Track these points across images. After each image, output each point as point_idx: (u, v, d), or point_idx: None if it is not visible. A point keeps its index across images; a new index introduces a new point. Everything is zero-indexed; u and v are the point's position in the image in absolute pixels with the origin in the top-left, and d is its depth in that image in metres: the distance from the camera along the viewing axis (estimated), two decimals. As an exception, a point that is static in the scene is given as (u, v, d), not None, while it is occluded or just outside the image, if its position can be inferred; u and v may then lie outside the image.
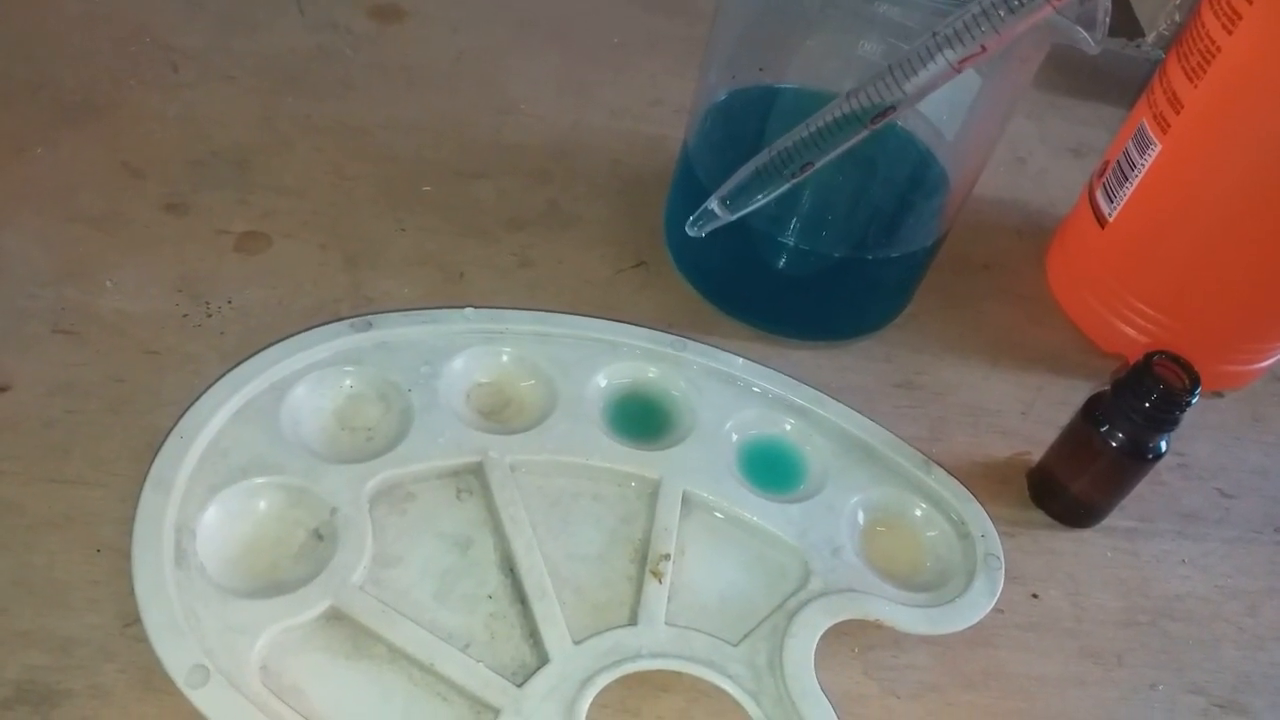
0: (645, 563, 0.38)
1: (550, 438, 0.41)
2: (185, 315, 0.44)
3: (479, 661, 0.34)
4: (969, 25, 0.35)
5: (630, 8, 0.67)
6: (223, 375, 0.40)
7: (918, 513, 0.42)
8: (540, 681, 0.34)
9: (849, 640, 0.39)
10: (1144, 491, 0.45)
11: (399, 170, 0.52)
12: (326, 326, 0.42)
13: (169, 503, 0.35)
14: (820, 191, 0.46)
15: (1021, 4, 0.34)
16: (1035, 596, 0.42)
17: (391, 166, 0.53)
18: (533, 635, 0.36)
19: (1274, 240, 0.46)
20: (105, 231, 0.46)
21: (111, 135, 0.50)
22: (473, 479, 0.40)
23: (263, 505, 0.37)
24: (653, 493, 0.40)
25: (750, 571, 0.39)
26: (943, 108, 0.46)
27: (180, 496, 0.36)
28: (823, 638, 0.37)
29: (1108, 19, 0.36)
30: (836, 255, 0.47)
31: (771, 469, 0.43)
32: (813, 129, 0.38)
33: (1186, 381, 0.40)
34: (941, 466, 0.43)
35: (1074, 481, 0.44)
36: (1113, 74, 0.69)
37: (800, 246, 0.46)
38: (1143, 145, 0.48)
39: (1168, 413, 0.40)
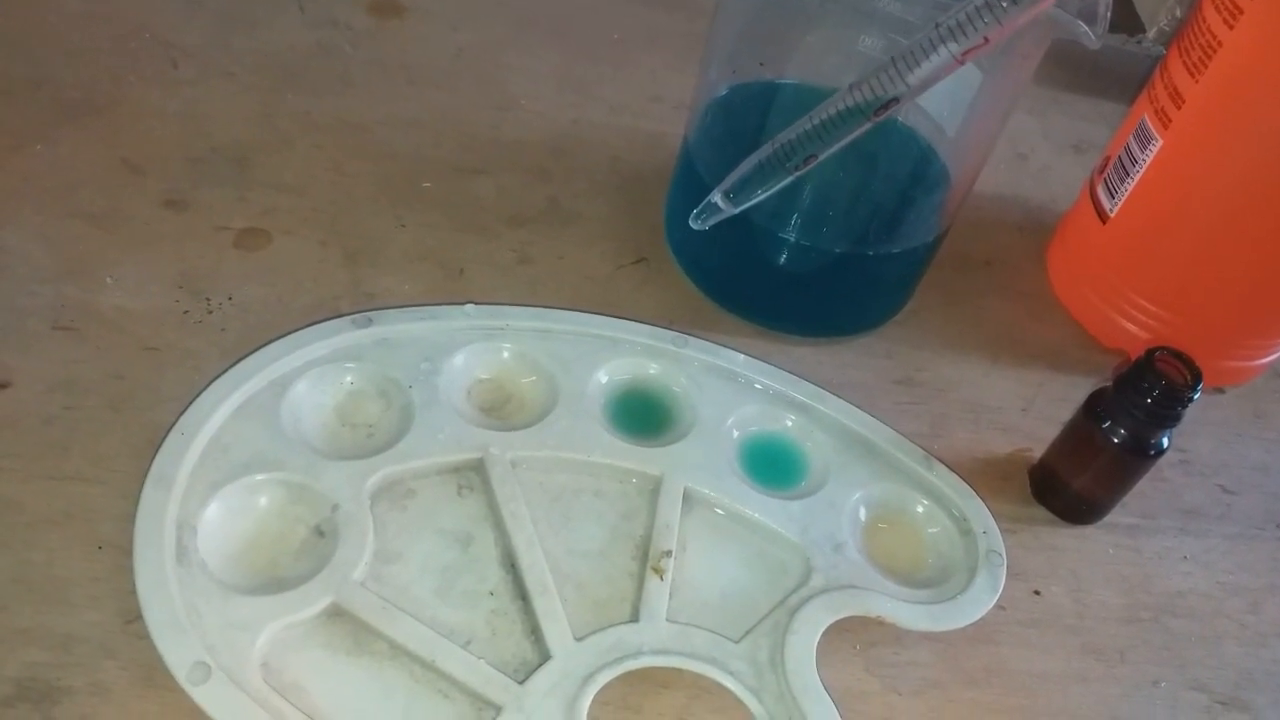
0: (646, 559, 0.38)
1: (551, 434, 0.41)
2: (185, 312, 0.44)
3: (480, 658, 0.34)
4: (972, 17, 0.35)
5: (630, 3, 0.67)
6: (223, 372, 0.40)
7: (919, 509, 0.42)
8: (541, 678, 0.34)
9: (850, 637, 0.38)
10: (1145, 488, 0.45)
11: (399, 167, 0.52)
12: (327, 323, 0.42)
13: (170, 499, 0.35)
14: (821, 187, 0.46)
15: (1024, -5, 0.34)
16: (1037, 593, 0.42)
17: (391, 163, 0.52)
18: (534, 632, 0.36)
19: (1276, 235, 0.46)
20: (105, 228, 0.46)
21: (111, 132, 0.50)
22: (474, 475, 0.40)
23: (264, 502, 0.37)
24: (654, 489, 0.40)
25: (751, 568, 0.39)
26: (944, 103, 0.46)
27: (181, 493, 0.36)
28: (824, 634, 0.37)
29: (1109, 13, 0.36)
30: (837, 251, 0.47)
31: (773, 465, 0.43)
32: (816, 121, 0.38)
33: (1188, 377, 0.40)
34: (943, 463, 0.43)
35: (1076, 478, 0.44)
36: (1114, 69, 0.69)
37: (801, 242, 0.46)
38: (1144, 141, 0.48)
39: (1169, 409, 0.40)
